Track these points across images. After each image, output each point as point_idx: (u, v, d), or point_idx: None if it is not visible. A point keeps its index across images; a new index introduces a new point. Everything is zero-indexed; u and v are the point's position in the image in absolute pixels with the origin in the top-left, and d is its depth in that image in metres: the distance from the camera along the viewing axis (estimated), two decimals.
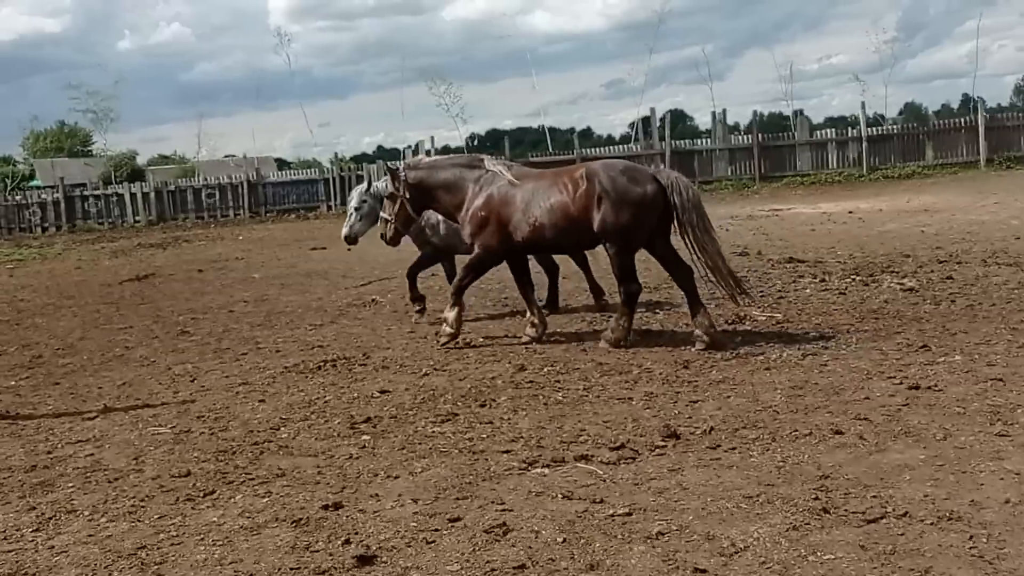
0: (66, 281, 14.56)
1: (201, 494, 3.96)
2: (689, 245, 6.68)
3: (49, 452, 4.83)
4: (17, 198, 31.05)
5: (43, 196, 30.62)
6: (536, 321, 7.23)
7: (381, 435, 4.69)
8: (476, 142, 29.01)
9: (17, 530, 3.69)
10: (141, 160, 50.77)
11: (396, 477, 4.01)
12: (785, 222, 15.92)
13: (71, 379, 6.85)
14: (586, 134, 50.07)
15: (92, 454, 4.73)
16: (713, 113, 30.55)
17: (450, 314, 7.16)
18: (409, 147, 33.02)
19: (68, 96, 47.66)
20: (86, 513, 3.83)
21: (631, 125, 36.46)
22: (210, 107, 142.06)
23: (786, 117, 36.61)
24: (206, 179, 32.23)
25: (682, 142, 29.83)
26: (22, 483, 4.31)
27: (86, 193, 30.53)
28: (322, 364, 6.65)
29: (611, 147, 33.65)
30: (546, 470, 3.96)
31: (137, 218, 29.82)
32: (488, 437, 4.52)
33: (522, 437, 4.48)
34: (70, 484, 4.25)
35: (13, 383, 6.87)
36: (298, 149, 38.85)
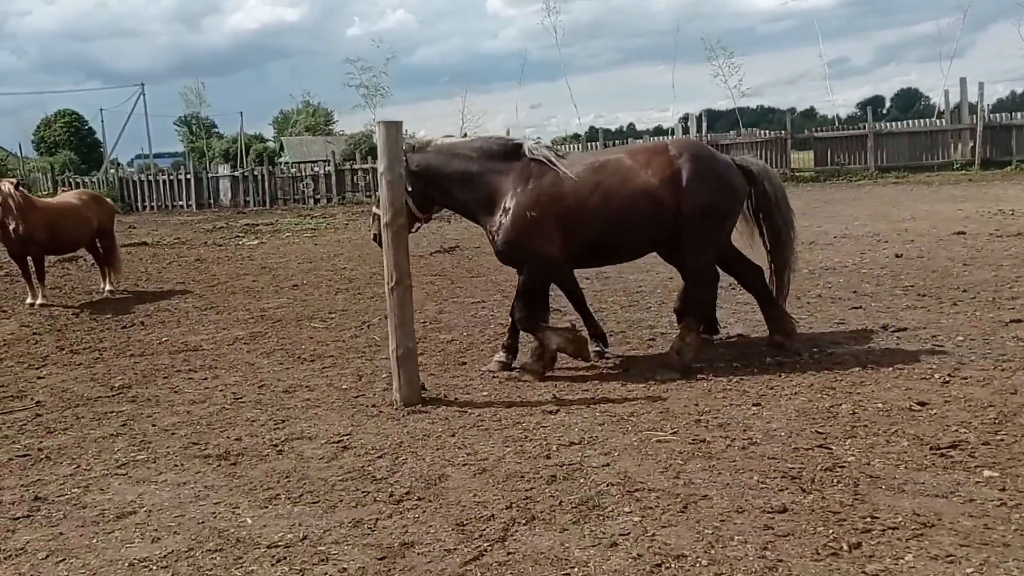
0: (374, 253, 14.61)
1: None
2: (771, 242, 6.25)
3: None
4: (292, 171, 32.95)
5: (315, 169, 32.31)
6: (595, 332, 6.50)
7: None
8: (688, 122, 28.30)
9: None
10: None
11: None
12: None
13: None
14: (808, 115, 48.34)
15: None
16: (946, 91, 28.07)
17: (550, 343, 5.89)
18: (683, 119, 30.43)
19: (343, 71, 52.38)
20: None
21: (859, 105, 34.91)
22: (427, 91, 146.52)
23: None
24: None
25: (999, 116, 26.09)
26: None
27: (355, 167, 31.88)
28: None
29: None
30: None
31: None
32: None
33: None
34: None
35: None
36: (511, 131, 40.68)
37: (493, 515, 3.70)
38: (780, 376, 5.68)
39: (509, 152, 5.97)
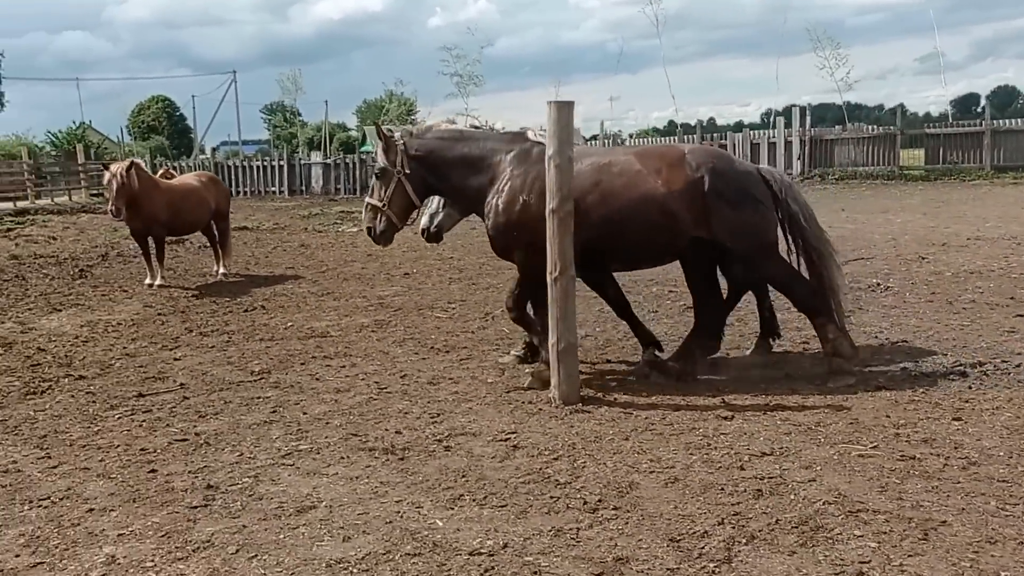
0: (480, 242, 14.65)
1: None
2: (806, 262, 5.55)
3: None
4: None
5: None
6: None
7: None
8: (772, 117, 27.75)
9: None
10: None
11: None
12: None
13: None
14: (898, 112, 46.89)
15: None
16: None
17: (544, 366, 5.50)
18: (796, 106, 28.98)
19: (438, 59, 52.33)
20: None
21: (954, 102, 33.18)
22: (508, 81, 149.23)
23: None
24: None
25: None
26: None
27: None
28: None
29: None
30: None
31: None
32: None
33: None
34: None
35: None
36: (588, 123, 40.67)
37: (706, 531, 3.38)
38: (970, 389, 5.21)
39: (513, 136, 5.74)
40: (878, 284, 9.03)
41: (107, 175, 10.37)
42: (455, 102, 41.18)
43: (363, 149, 48.26)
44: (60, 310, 9.38)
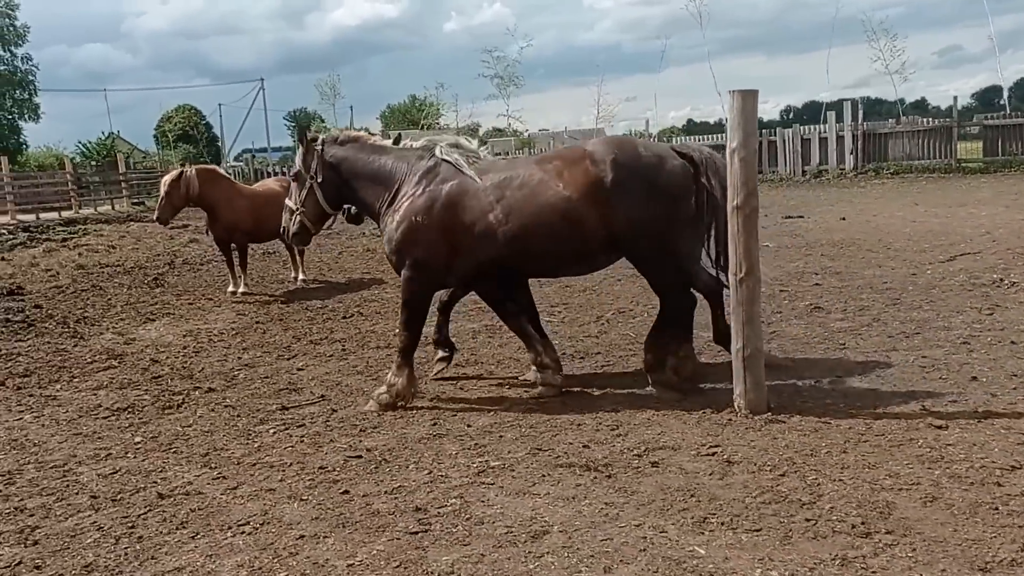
0: None
1: None
2: (718, 244, 5.23)
3: None
4: None
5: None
6: (545, 362, 5.56)
7: None
8: (791, 115, 27.39)
9: None
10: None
11: None
12: None
13: None
14: (919, 105, 46.03)
15: None
16: None
17: (397, 379, 5.38)
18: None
19: (479, 60, 52.57)
20: None
21: (975, 95, 32.36)
22: (524, 83, 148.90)
23: None
24: None
25: None
26: None
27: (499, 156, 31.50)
28: None
29: None
30: None
31: None
32: None
33: None
34: None
35: None
36: (602, 123, 40.72)
37: (1013, 559, 3.04)
38: None
39: (422, 152, 5.54)
40: (1001, 280, 8.62)
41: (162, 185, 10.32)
42: (495, 104, 41.06)
43: None
44: (153, 320, 9.17)
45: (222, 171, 10.80)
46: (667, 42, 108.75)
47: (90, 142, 48.47)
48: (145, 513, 3.90)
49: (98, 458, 4.74)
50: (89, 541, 3.63)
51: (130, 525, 3.77)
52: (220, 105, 63.02)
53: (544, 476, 4.10)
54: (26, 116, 49.59)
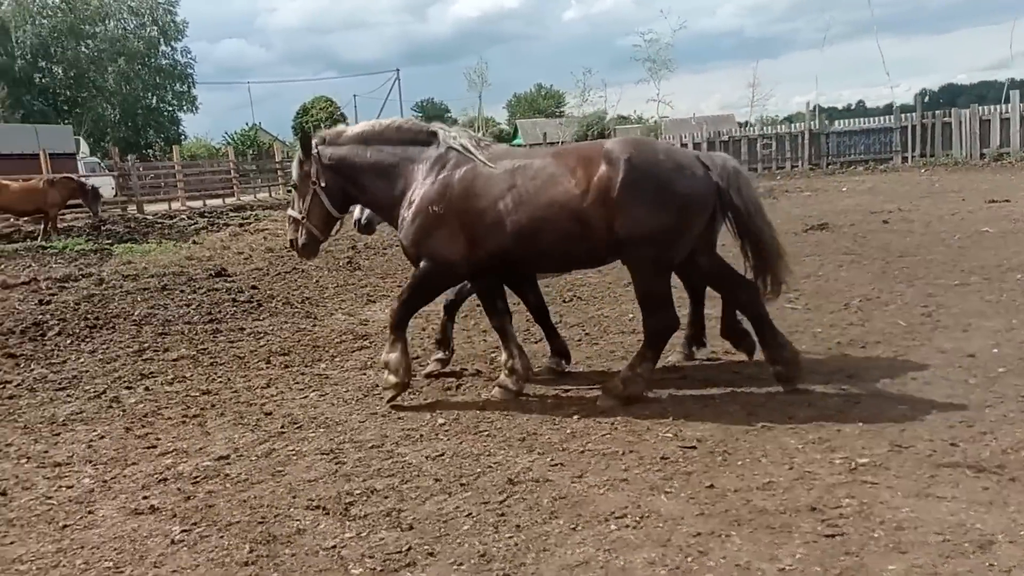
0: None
1: None
2: (749, 257, 5.02)
3: None
4: None
5: None
6: (516, 367, 5.32)
7: None
8: (927, 98, 25.98)
9: None
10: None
11: None
12: None
13: None
14: None
15: None
16: None
17: (391, 355, 5.20)
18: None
19: (631, 44, 56.04)
20: None
21: None
22: (642, 72, 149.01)
23: None
24: (763, 130, 31.70)
25: None
26: None
27: None
28: None
29: None
30: None
31: None
32: None
33: None
34: None
35: None
36: (723, 111, 39.96)
37: None
38: None
39: (425, 139, 5.26)
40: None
41: None
42: (645, 88, 40.33)
43: (515, 142, 48.48)
44: (374, 301, 9.22)
45: None
46: (829, 21, 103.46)
47: (235, 133, 51.01)
48: (505, 500, 3.72)
49: (412, 439, 4.62)
50: (466, 528, 3.47)
51: (499, 513, 3.59)
52: (355, 96, 64.95)
53: (933, 477, 3.67)
54: (184, 108, 52.57)
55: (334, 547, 3.35)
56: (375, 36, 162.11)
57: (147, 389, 5.98)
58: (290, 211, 5.60)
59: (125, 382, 6.19)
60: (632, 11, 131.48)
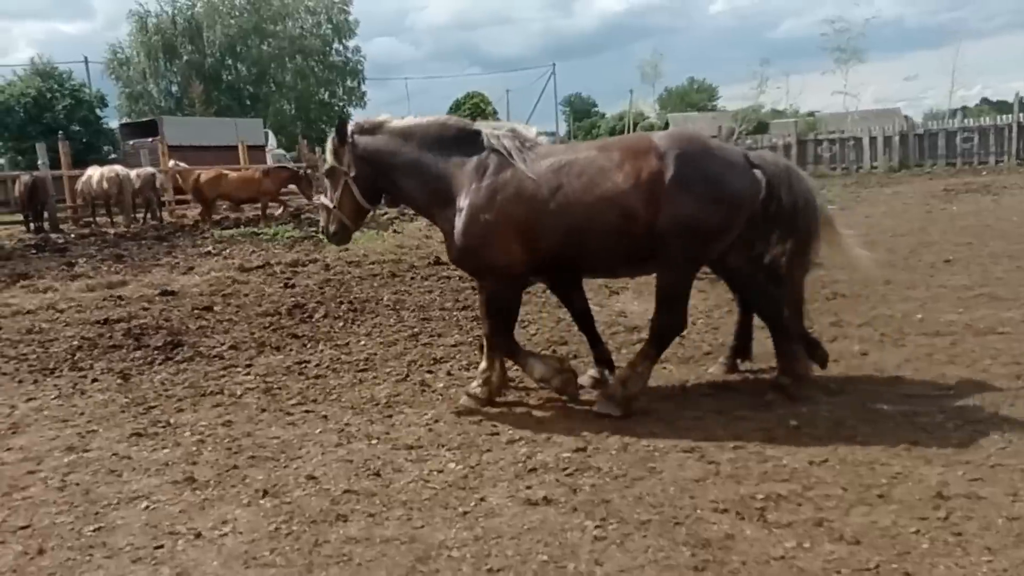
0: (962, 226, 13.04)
1: None
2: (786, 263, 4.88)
3: None
4: (748, 141, 32.05)
5: (775, 141, 30.97)
6: (493, 379, 5.15)
7: None
8: None
9: None
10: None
11: None
12: None
13: None
14: None
15: None
16: None
17: (535, 369, 5.01)
18: None
19: (819, 33, 52.37)
20: None
21: None
22: (793, 64, 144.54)
23: None
24: (964, 121, 29.85)
25: None
26: None
27: (820, 137, 30.56)
28: None
29: None
30: None
31: (875, 164, 28.77)
32: None
33: None
34: None
35: None
36: (879, 104, 37.90)
37: None
38: None
39: (467, 139, 4.97)
40: None
41: None
42: (831, 79, 38.24)
43: None
44: (617, 293, 8.97)
45: None
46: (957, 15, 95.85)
47: None
48: (947, 517, 3.34)
49: (774, 440, 4.30)
50: (924, 547, 3.11)
51: (954, 532, 3.21)
52: (508, 91, 65.70)
53: None
54: (354, 103, 54.93)
55: (783, 557, 3.08)
56: (520, 31, 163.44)
57: (448, 374, 5.96)
58: (322, 199, 5.47)
59: (421, 366, 6.21)
60: (780, 3, 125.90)
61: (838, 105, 39.21)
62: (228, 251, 14.56)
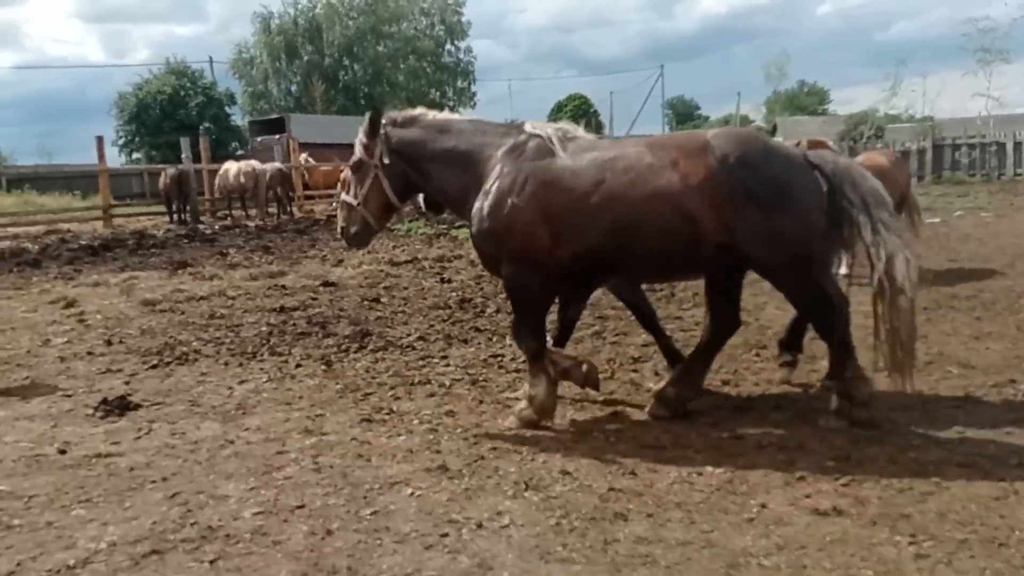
0: None
1: None
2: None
3: None
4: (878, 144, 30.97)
5: (907, 145, 29.90)
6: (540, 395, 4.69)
7: None
8: None
9: None
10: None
11: None
12: None
13: None
14: None
15: None
16: None
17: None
18: None
19: (959, 33, 47.63)
20: None
21: None
22: (901, 69, 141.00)
23: None
24: None
25: None
26: None
27: (959, 142, 29.54)
28: None
29: None
30: None
31: (1019, 170, 27.80)
32: None
33: None
34: None
35: None
36: (1004, 110, 35.70)
37: None
38: None
39: (508, 131, 4.80)
40: None
41: None
42: (972, 81, 36.17)
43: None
44: None
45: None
46: None
47: None
48: None
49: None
50: None
51: None
52: (611, 93, 65.67)
53: None
54: (464, 103, 55.72)
55: None
56: (618, 34, 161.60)
57: (656, 374, 5.81)
58: (344, 196, 5.21)
59: (622, 365, 6.11)
60: (892, 4, 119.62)
61: (973, 109, 37.04)
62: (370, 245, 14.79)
